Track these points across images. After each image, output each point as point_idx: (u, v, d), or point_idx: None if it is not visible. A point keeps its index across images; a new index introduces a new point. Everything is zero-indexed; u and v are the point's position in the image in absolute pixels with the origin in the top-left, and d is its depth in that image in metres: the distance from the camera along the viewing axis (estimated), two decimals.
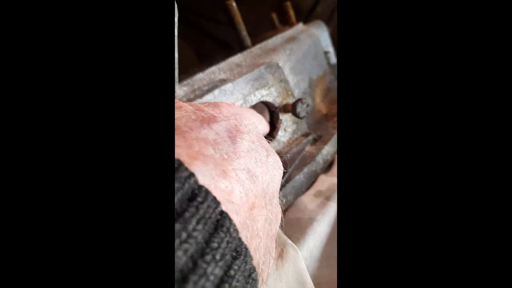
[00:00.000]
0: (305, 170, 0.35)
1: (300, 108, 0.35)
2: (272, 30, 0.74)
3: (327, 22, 1.26)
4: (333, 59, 0.72)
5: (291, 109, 0.36)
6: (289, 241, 0.29)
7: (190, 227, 0.13)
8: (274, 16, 0.72)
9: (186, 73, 0.37)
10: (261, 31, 0.88)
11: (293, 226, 0.31)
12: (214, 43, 1.24)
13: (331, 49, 0.73)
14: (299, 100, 0.36)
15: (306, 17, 1.20)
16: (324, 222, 0.30)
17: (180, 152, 0.15)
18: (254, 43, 0.43)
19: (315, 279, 0.28)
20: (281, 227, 0.31)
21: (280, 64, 0.37)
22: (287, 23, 0.61)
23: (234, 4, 0.39)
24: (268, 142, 0.36)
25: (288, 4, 0.57)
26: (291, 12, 0.57)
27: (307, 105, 0.36)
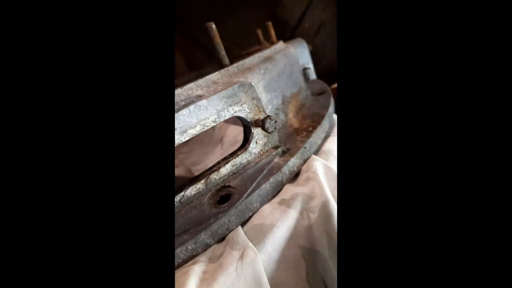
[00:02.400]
0: (271, 179, 0.38)
1: (268, 124, 0.39)
2: (257, 45, 0.78)
3: (314, 37, 1.32)
4: (313, 75, 0.76)
5: (261, 124, 0.40)
6: (250, 244, 0.32)
7: None
8: (259, 32, 0.77)
9: (176, 80, 0.40)
10: (250, 45, 0.91)
11: (256, 231, 0.34)
12: (204, 52, 1.27)
13: (311, 66, 0.77)
14: (268, 116, 0.39)
15: (292, 32, 1.25)
16: (283, 227, 0.33)
17: None
18: (240, 57, 0.46)
19: (272, 279, 0.31)
20: (245, 232, 0.34)
21: (253, 83, 0.41)
22: (268, 40, 0.65)
23: (213, 25, 0.42)
24: (241, 153, 0.40)
25: (269, 24, 0.61)
26: (272, 32, 0.61)
27: (275, 122, 0.40)
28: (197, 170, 0.59)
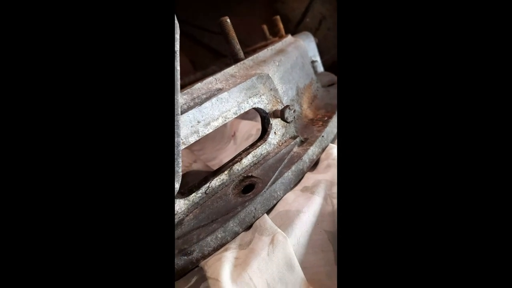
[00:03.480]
0: (293, 168, 0.39)
1: (287, 114, 0.40)
2: (263, 41, 0.79)
3: (315, 32, 1.33)
4: (320, 68, 0.77)
5: (280, 114, 0.40)
6: (278, 230, 0.33)
7: None
8: (265, 28, 0.77)
9: (182, 79, 0.41)
10: (252, 41, 0.92)
11: (282, 218, 0.35)
12: (208, 52, 1.28)
13: (318, 59, 0.78)
14: (287, 106, 0.40)
15: (295, 28, 1.26)
16: (309, 213, 0.34)
17: None
18: (245, 53, 0.47)
19: (302, 263, 0.32)
20: (271, 219, 0.35)
21: (270, 75, 0.42)
22: (276, 35, 0.66)
23: (228, 20, 0.43)
24: (261, 144, 0.41)
25: (278, 18, 0.62)
26: (281, 25, 0.62)
27: (294, 111, 0.41)
28: (213, 165, 0.60)
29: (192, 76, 1.02)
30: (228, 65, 0.43)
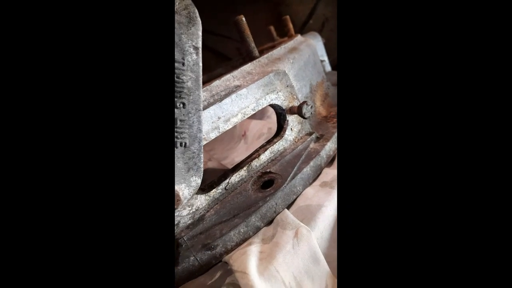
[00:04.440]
0: (311, 163, 0.39)
1: (305, 109, 0.40)
2: (269, 42, 0.79)
3: (318, 33, 1.34)
4: (328, 67, 0.78)
5: (297, 110, 0.41)
6: (301, 224, 0.33)
7: None
8: (272, 29, 0.78)
9: None
10: (258, 43, 0.93)
11: (303, 212, 0.35)
12: (213, 55, 1.29)
13: (326, 58, 0.78)
14: (304, 102, 0.40)
15: (299, 30, 1.27)
16: (331, 206, 0.34)
17: None
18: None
19: (326, 257, 0.32)
20: (293, 213, 0.35)
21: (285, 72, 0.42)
22: (285, 35, 0.67)
23: (243, 18, 0.44)
24: (278, 140, 0.41)
25: (287, 18, 0.62)
26: (290, 25, 0.62)
27: (311, 107, 0.41)
28: (226, 164, 0.60)
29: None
30: (235, 67, 0.43)
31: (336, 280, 0.29)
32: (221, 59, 1.29)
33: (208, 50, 1.28)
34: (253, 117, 0.70)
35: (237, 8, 1.23)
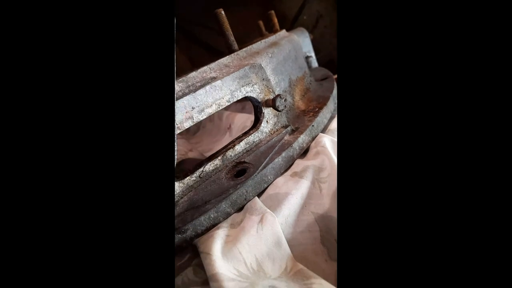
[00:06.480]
0: (283, 154, 0.41)
1: (278, 102, 0.42)
2: (259, 37, 0.80)
3: (312, 30, 1.34)
4: (315, 63, 0.79)
5: (271, 103, 0.42)
6: (268, 210, 0.34)
7: None
8: (261, 23, 0.79)
9: (180, 76, 0.43)
10: (250, 39, 0.94)
11: (272, 200, 0.37)
12: (205, 50, 1.30)
13: (312, 54, 0.80)
14: (278, 95, 0.42)
15: (291, 25, 1.27)
16: (297, 195, 0.36)
17: None
18: (241, 48, 0.49)
19: (289, 241, 0.34)
20: (262, 201, 0.36)
21: (262, 65, 0.43)
22: (271, 29, 0.68)
23: (222, 12, 0.45)
24: (253, 132, 0.42)
25: (272, 13, 0.63)
26: (275, 20, 0.63)
27: (285, 100, 0.42)
28: (208, 155, 0.62)
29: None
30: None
31: (296, 262, 0.31)
32: (214, 54, 1.29)
33: (200, 45, 1.29)
34: (241, 111, 0.71)
35: (230, 4, 1.23)
